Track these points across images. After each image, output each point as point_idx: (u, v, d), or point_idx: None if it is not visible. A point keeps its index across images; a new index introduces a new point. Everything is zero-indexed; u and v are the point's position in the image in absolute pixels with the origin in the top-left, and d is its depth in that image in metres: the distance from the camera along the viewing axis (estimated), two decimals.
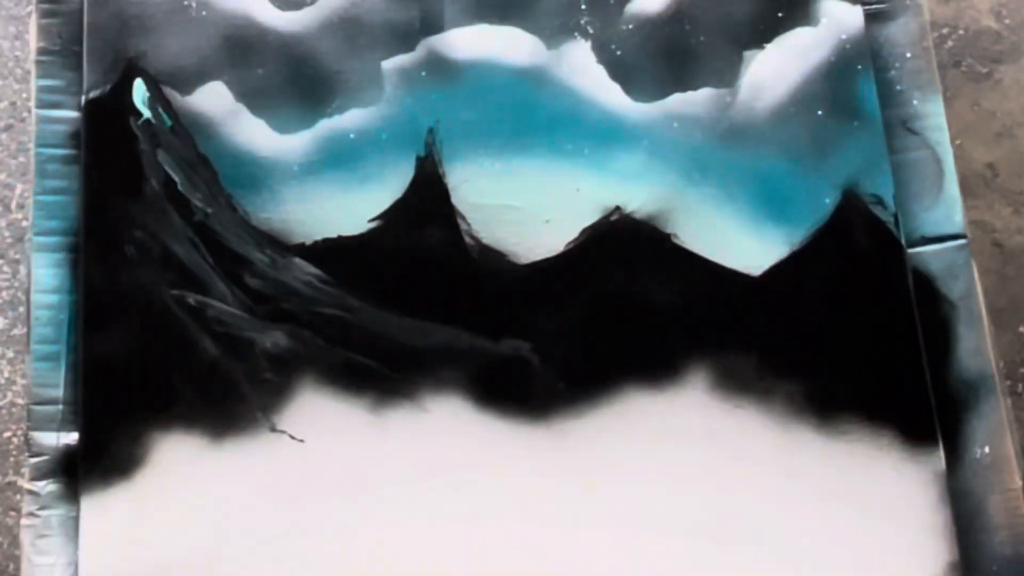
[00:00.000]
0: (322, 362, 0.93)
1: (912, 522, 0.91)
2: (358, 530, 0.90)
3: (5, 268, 1.63)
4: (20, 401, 1.47)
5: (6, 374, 1.57)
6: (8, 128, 1.68)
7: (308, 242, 0.96)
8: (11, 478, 1.47)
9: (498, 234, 0.96)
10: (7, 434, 1.53)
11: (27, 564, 0.88)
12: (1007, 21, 1.67)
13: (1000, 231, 1.59)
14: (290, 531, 0.89)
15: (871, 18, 1.02)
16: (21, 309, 1.50)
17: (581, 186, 0.97)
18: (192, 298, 0.92)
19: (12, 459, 1.48)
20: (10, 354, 1.57)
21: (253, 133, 0.98)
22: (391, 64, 0.99)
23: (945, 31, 1.67)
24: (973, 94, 1.64)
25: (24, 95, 1.47)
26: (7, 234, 1.64)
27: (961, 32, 1.67)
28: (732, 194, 0.97)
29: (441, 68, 0.99)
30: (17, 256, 1.55)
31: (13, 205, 1.65)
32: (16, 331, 1.52)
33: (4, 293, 1.61)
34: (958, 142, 1.60)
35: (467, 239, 0.96)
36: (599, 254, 0.96)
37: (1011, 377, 1.55)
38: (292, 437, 0.91)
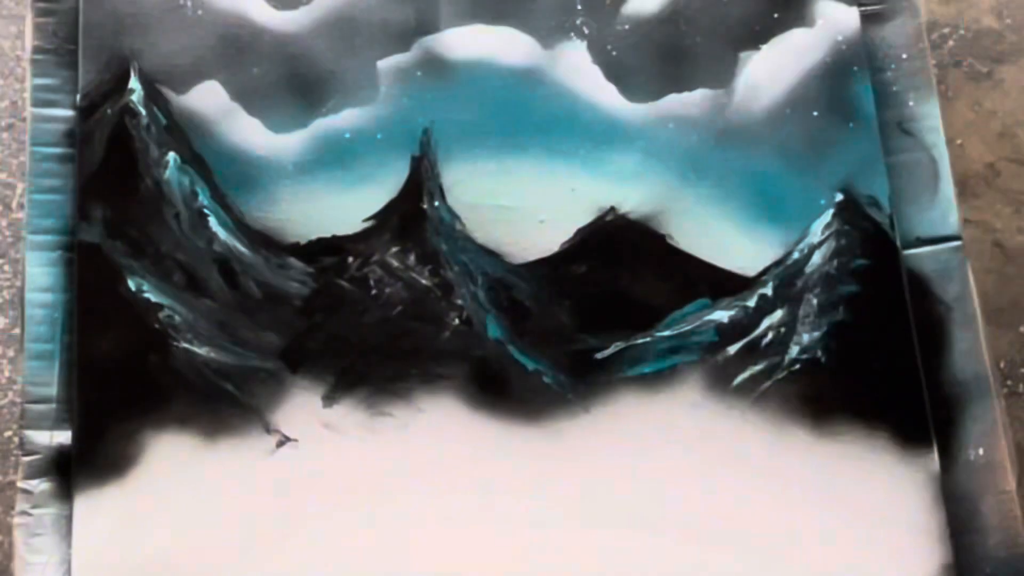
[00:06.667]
0: (316, 362, 0.93)
1: (906, 524, 0.90)
2: (352, 530, 0.90)
3: (6, 267, 1.64)
4: (21, 400, 1.47)
5: (7, 373, 1.57)
6: (9, 127, 1.69)
7: (303, 241, 0.96)
8: (11, 477, 1.47)
9: (493, 234, 0.96)
10: (7, 434, 1.53)
11: (20, 562, 0.88)
12: (1008, 21, 1.67)
13: (1000, 231, 1.59)
14: (283, 531, 0.89)
15: (867, 19, 1.01)
16: (21, 308, 1.50)
17: (576, 186, 0.97)
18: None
19: (12, 459, 1.49)
20: (11, 353, 1.57)
21: (248, 132, 0.98)
22: (386, 64, 0.99)
23: (946, 31, 1.66)
24: (974, 94, 1.64)
25: (25, 94, 1.47)
26: (7, 233, 1.64)
27: (962, 32, 1.67)
28: (727, 195, 0.97)
29: (436, 68, 0.99)
30: (18, 255, 1.56)
31: (14, 204, 1.65)
32: (17, 330, 1.52)
33: (5, 292, 1.61)
34: (959, 142, 1.60)
35: (462, 239, 0.96)
36: (594, 254, 0.96)
37: (1011, 377, 1.55)
38: (286, 437, 0.91)
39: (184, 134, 0.97)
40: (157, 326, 0.93)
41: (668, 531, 0.90)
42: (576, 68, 1.00)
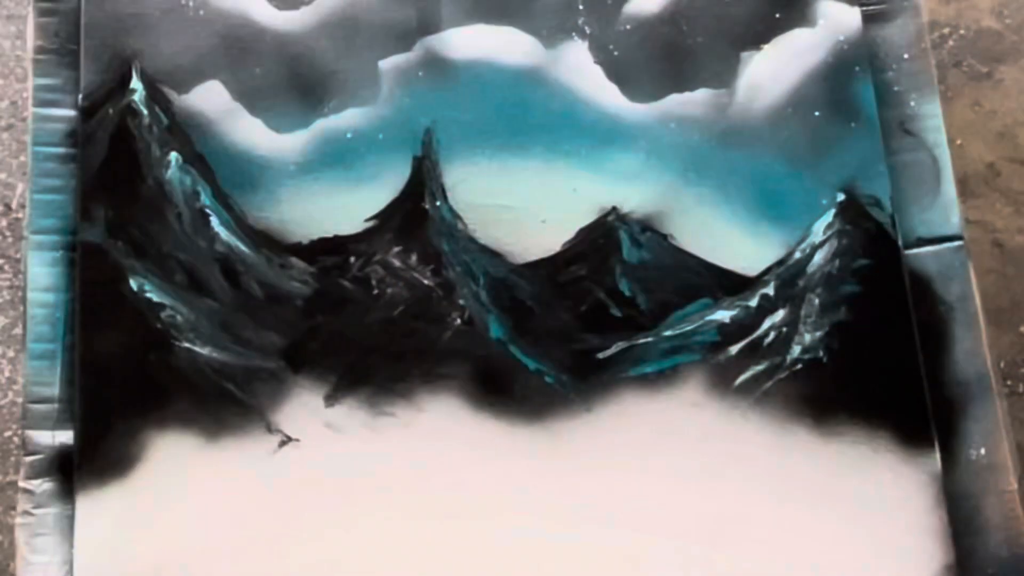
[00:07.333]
0: (318, 361, 0.93)
1: (908, 524, 0.90)
2: (353, 529, 0.90)
3: (6, 267, 1.63)
4: (21, 400, 1.47)
5: (7, 373, 1.57)
6: (9, 127, 1.68)
7: (305, 241, 0.96)
8: (12, 477, 1.47)
9: (495, 234, 0.96)
10: (8, 433, 1.53)
11: (22, 562, 0.88)
12: (1008, 21, 1.67)
13: (1001, 231, 1.59)
14: (285, 530, 0.90)
15: (869, 19, 1.02)
16: (23, 308, 1.50)
17: (578, 186, 0.97)
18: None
19: (13, 459, 1.49)
20: (11, 353, 1.57)
21: (250, 132, 0.98)
22: (388, 64, 0.99)
23: (946, 31, 1.66)
24: (974, 94, 1.64)
25: (25, 94, 1.47)
26: (8, 234, 1.64)
27: (962, 32, 1.67)
28: (729, 195, 0.97)
29: (438, 68, 0.99)
30: (18, 255, 1.55)
31: (14, 204, 1.65)
32: (17, 330, 1.52)
33: (5, 292, 1.61)
34: (959, 142, 1.60)
35: (463, 239, 0.96)
36: (595, 254, 0.96)
37: (1011, 377, 1.55)
38: (288, 437, 0.91)
39: (186, 134, 0.97)
40: (159, 326, 0.93)
41: (670, 530, 0.90)
42: (578, 68, 1.00)
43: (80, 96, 0.98)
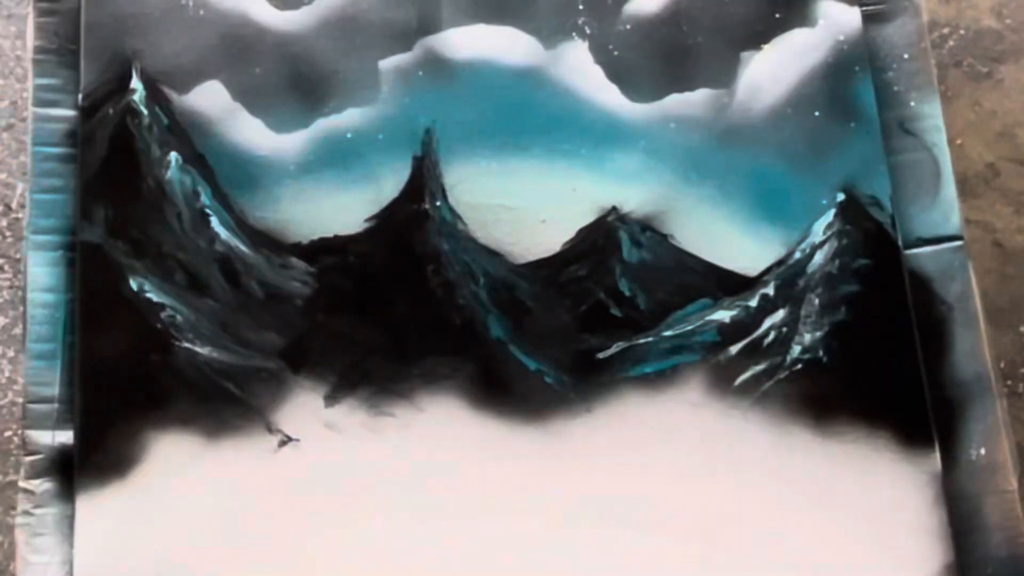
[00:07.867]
0: (318, 361, 0.93)
1: (908, 524, 0.91)
2: (353, 529, 0.90)
3: (6, 267, 1.63)
4: (21, 400, 1.47)
5: (7, 373, 1.57)
6: (9, 127, 1.68)
7: (304, 242, 0.96)
8: (12, 477, 1.47)
9: (495, 234, 0.96)
10: (8, 433, 1.53)
11: (22, 562, 0.88)
12: (1008, 21, 1.67)
13: (1000, 231, 1.59)
14: (285, 530, 0.90)
15: (869, 19, 1.02)
16: (23, 308, 1.50)
17: (578, 186, 0.97)
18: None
19: (13, 459, 1.49)
20: (11, 353, 1.57)
21: (250, 132, 0.98)
22: (388, 64, 0.99)
23: (946, 31, 1.66)
24: (974, 94, 1.64)
25: (25, 94, 1.47)
26: (8, 234, 1.64)
27: (962, 32, 1.67)
28: (729, 195, 0.97)
29: (438, 68, 0.99)
30: (18, 255, 1.56)
31: (14, 204, 1.65)
32: (17, 330, 1.52)
33: (5, 292, 1.61)
34: (959, 142, 1.60)
35: (463, 239, 0.96)
36: (595, 254, 0.96)
37: (1011, 377, 1.55)
38: (288, 437, 0.91)
39: (186, 134, 0.97)
40: (159, 326, 0.93)
41: (670, 531, 0.90)
42: (578, 68, 1.00)
43: (80, 96, 0.98)
